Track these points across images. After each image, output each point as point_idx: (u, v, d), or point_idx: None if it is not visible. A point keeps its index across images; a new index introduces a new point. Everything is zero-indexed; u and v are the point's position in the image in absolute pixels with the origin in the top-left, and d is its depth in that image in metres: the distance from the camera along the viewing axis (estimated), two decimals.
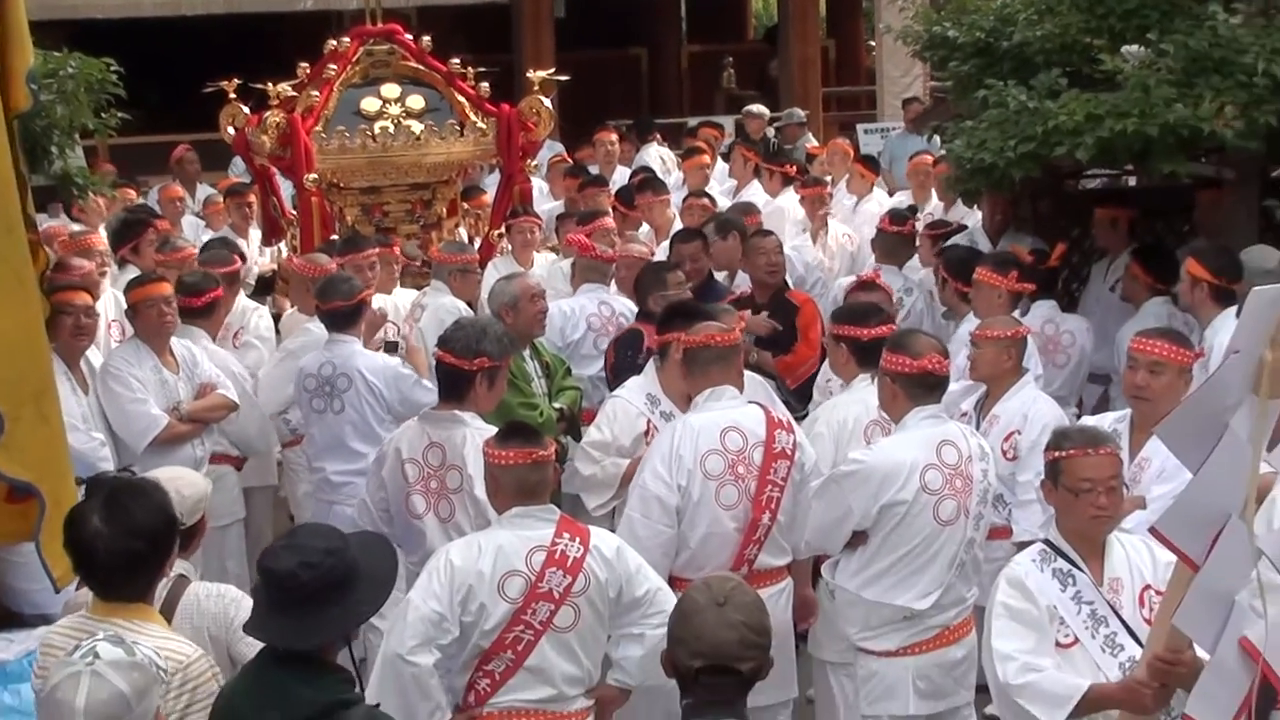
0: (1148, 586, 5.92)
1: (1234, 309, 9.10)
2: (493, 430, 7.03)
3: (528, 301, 9.47)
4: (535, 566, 6.36)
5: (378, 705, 5.20)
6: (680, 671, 4.84)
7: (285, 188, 13.75)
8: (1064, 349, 10.37)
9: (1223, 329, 8.92)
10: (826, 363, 9.51)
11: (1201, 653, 5.42)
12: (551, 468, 6.73)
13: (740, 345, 8.06)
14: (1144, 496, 7.30)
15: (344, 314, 9.57)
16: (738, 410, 7.59)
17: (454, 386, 7.95)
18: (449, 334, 8.05)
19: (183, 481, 6.42)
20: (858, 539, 7.19)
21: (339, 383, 9.32)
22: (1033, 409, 8.35)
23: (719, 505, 7.40)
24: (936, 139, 12.71)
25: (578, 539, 6.47)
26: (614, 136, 18.51)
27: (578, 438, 9.35)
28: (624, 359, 9.77)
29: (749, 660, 4.80)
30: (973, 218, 12.88)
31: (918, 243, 12.38)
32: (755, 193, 15.83)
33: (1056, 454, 6.05)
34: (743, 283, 11.39)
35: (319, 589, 5.10)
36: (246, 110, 13.26)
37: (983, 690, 6.38)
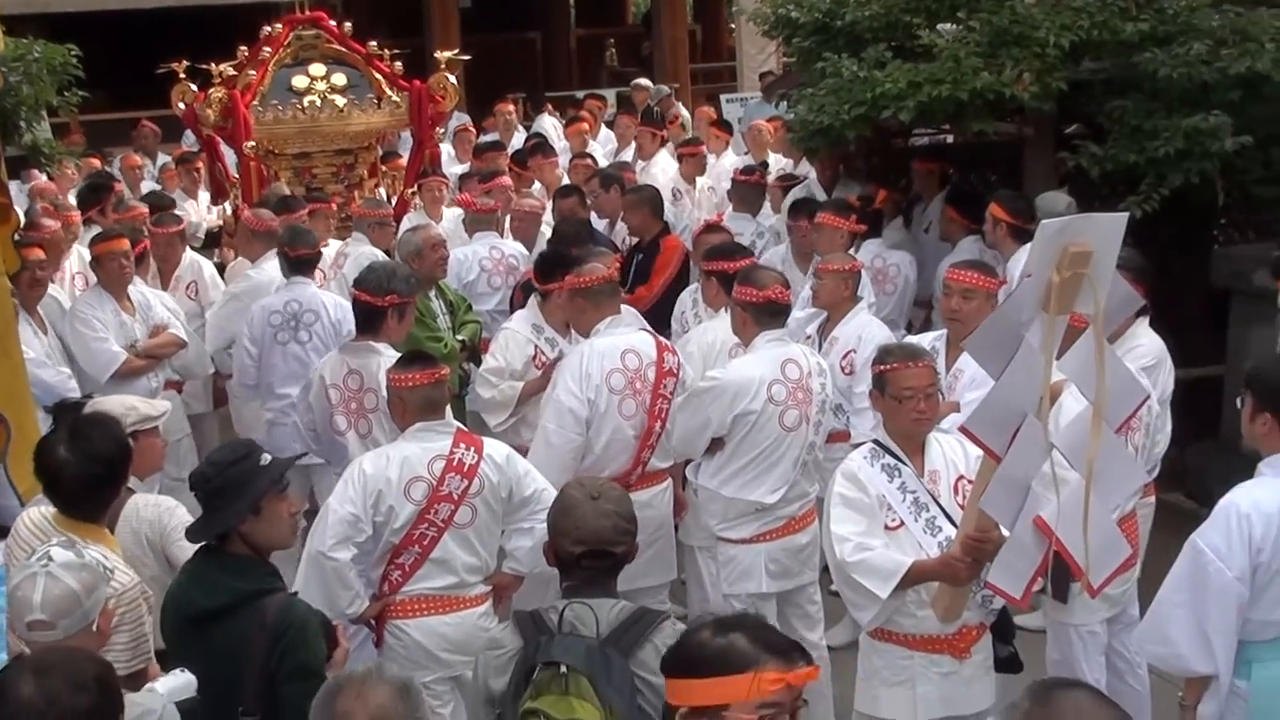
0: (961, 477, 5.89)
1: (1028, 246, 9.14)
2: None
3: (429, 250, 9.41)
4: (436, 473, 6.31)
5: (295, 594, 5.06)
6: (562, 558, 4.81)
7: (229, 155, 13.67)
8: (891, 279, 10.37)
9: (1020, 262, 8.94)
10: (683, 295, 9.54)
11: (1005, 532, 5.44)
12: (447, 388, 6.63)
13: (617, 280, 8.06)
14: (958, 402, 7.27)
15: (307, 260, 9.46)
16: (633, 335, 7.60)
17: (369, 320, 7.93)
18: (363, 275, 8.07)
19: (138, 413, 6.32)
20: (716, 445, 7.14)
21: (305, 318, 9.19)
22: (866, 331, 8.30)
23: (620, 416, 7.39)
24: (784, 105, 12.64)
25: (473, 448, 6.41)
26: (511, 108, 18.54)
27: (479, 365, 9.28)
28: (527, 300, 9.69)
29: (622, 544, 4.80)
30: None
31: (769, 192, 12.33)
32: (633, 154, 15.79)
33: (882, 367, 5.99)
34: (623, 229, 11.32)
35: (216, 490, 5.10)
36: (194, 88, 13.29)
37: (826, 570, 6.33)
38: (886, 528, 5.83)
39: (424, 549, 6.32)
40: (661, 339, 7.74)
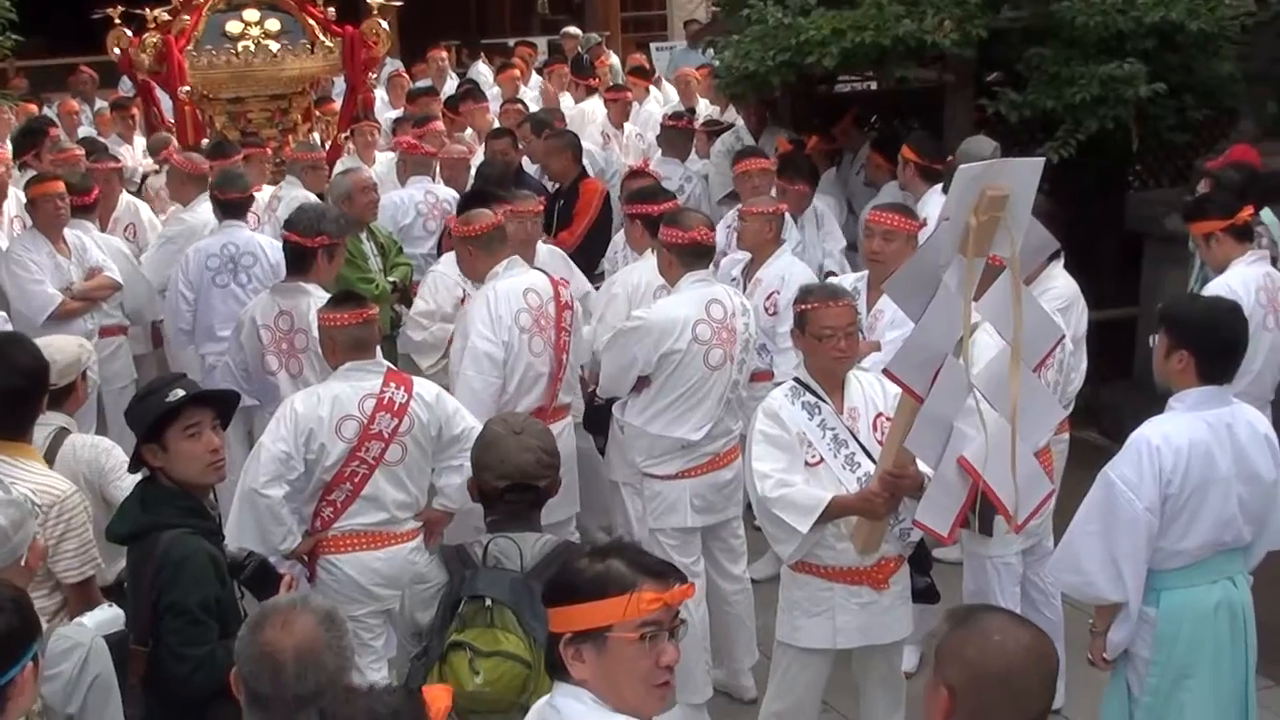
0: (880, 414, 5.90)
1: (939, 186, 9.18)
2: None
3: (360, 193, 9.37)
4: (367, 411, 6.27)
5: (191, 531, 4.92)
6: (485, 493, 4.80)
7: (164, 100, 13.51)
8: None
9: (930, 202, 9.00)
10: (616, 238, 9.51)
11: (924, 468, 5.52)
12: (377, 328, 6.57)
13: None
14: (879, 341, 7.26)
15: (238, 203, 9.36)
16: (530, 274, 7.57)
17: (299, 261, 7.87)
18: (294, 217, 8.02)
19: (54, 348, 6.20)
20: (642, 383, 7.11)
21: (244, 260, 9.09)
22: (789, 272, 8.24)
23: (531, 353, 7.36)
24: (711, 52, 12.61)
25: (403, 387, 6.38)
26: (444, 54, 18.41)
27: (410, 306, 9.23)
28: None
29: (545, 478, 4.80)
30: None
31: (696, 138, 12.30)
32: (564, 100, 15.75)
33: (803, 306, 5.98)
34: None
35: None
36: (129, 33, 13.18)
37: (750, 506, 6.33)
38: (806, 464, 5.83)
39: (355, 486, 6.28)
40: (553, 275, 7.73)
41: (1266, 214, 8.55)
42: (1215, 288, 7.19)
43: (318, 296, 7.54)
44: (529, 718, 3.66)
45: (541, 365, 7.40)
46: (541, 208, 8.92)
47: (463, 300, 8.21)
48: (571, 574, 3.47)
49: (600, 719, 3.39)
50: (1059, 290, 7.37)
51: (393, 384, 6.36)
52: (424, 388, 6.47)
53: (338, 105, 14.00)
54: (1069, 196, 10.61)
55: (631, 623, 3.38)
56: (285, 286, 7.88)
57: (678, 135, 12.09)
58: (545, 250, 8.83)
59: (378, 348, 6.60)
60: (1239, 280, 7.35)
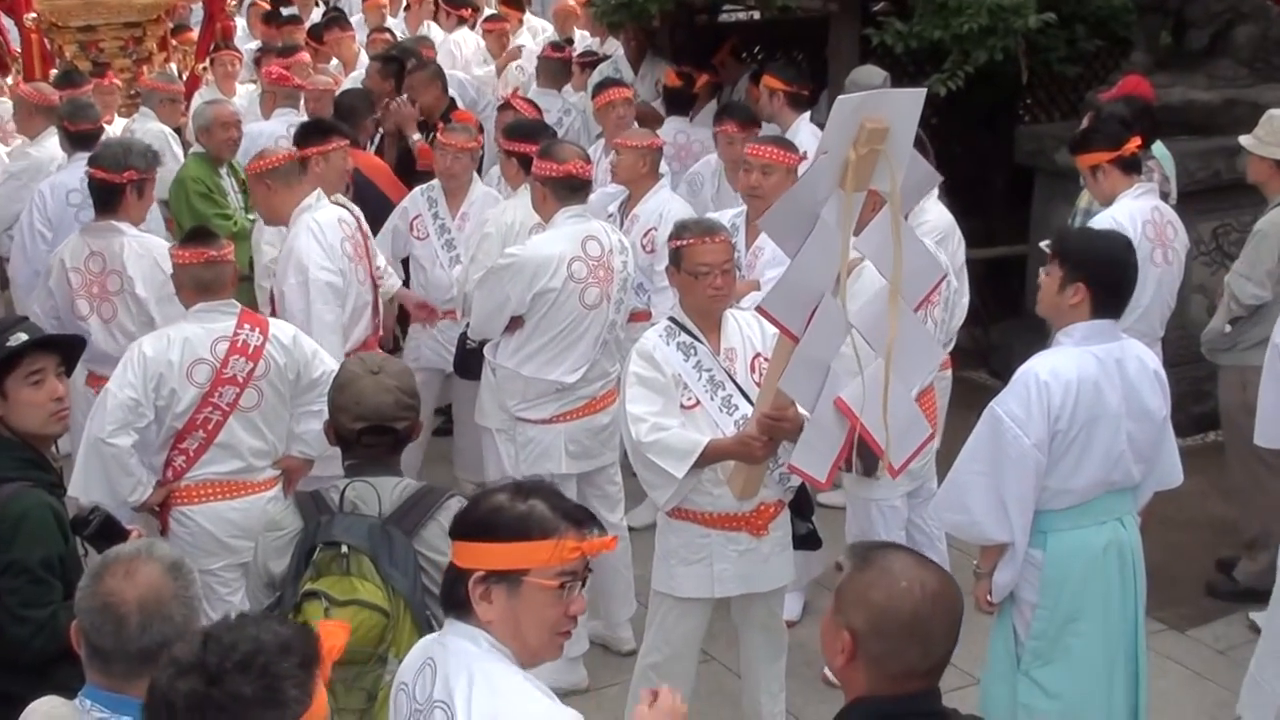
0: (758, 355, 5.90)
1: (807, 114, 9.19)
2: (148, 237, 7.15)
3: (219, 128, 9.30)
4: (220, 355, 6.19)
5: (31, 484, 4.80)
6: (342, 435, 4.76)
7: (10, 28, 13.25)
8: (695, 155, 10.32)
9: (800, 131, 8.99)
10: (491, 171, 9.47)
11: (804, 411, 5.49)
12: (231, 268, 6.46)
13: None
14: (758, 280, 7.30)
15: (88, 135, 9.17)
16: (334, 208, 7.53)
17: (107, 199, 7.67)
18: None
19: None
20: (515, 323, 7.08)
21: None
22: (667, 208, 8.24)
23: (358, 281, 7.44)
24: None
25: (258, 329, 6.30)
26: None
27: None
28: None
29: (403, 419, 4.75)
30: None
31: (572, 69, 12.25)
32: (434, 31, 15.59)
33: (678, 242, 5.97)
34: None
35: None
36: None
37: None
38: (683, 406, 5.84)
39: (209, 433, 6.21)
40: (352, 205, 7.80)
41: (1158, 147, 8.66)
42: (1100, 221, 7.21)
43: (130, 235, 7.49)
44: (413, 653, 3.64)
45: (366, 294, 7.48)
46: (477, 143, 8.89)
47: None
48: (490, 511, 3.44)
49: (491, 665, 3.38)
50: (934, 223, 7.41)
51: (247, 325, 6.28)
52: (280, 329, 6.40)
53: (195, 34, 13.78)
54: (957, 131, 10.71)
55: (551, 569, 3.38)
56: (95, 226, 7.69)
57: (556, 66, 12.03)
58: (482, 190, 8.84)
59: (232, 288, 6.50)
60: (1125, 213, 7.39)
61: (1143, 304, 7.30)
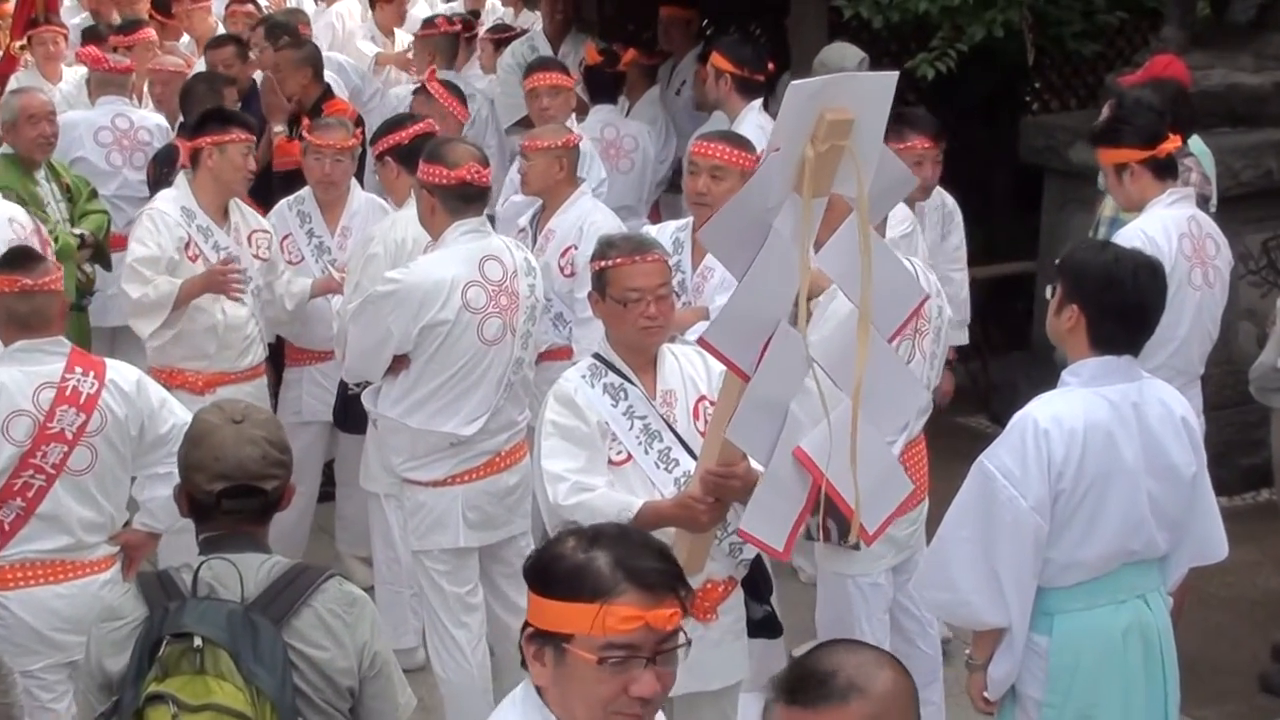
0: (702, 398, 5.98)
1: (759, 102, 9.26)
2: None
3: (27, 123, 9.38)
4: (44, 405, 6.23)
5: None
6: (197, 501, 4.75)
7: None
8: (626, 154, 10.42)
9: (747, 122, 9.07)
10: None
11: (757, 465, 5.50)
12: (57, 299, 6.52)
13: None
14: (706, 308, 7.33)
15: None
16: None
17: None
18: None
19: None
20: (399, 364, 7.14)
21: None
22: (588, 221, 8.26)
23: None
24: None
25: (92, 373, 6.33)
26: None
27: (107, 266, 9.18)
28: (161, 175, 9.69)
29: (273, 479, 4.75)
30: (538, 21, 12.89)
31: (479, 48, 12.33)
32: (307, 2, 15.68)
33: (602, 263, 6.03)
34: None
35: None
36: None
37: None
38: (611, 462, 5.91)
39: (29, 502, 6.22)
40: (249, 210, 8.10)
41: (1195, 142, 8.66)
42: (1127, 236, 7.23)
43: None
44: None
45: None
46: (352, 143, 8.96)
47: (187, 247, 8.21)
48: (551, 556, 3.52)
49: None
50: (901, 213, 7.43)
51: (79, 369, 6.30)
52: (121, 374, 6.43)
53: (10, 6, 13.79)
54: (948, 123, 10.82)
55: (594, 641, 3.42)
56: None
57: (445, 44, 12.14)
58: (364, 199, 8.94)
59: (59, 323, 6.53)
60: (1158, 225, 7.43)
61: (1179, 335, 7.37)
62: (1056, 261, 5.81)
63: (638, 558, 3.47)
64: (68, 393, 6.25)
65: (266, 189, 9.54)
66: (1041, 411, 5.46)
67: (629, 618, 3.39)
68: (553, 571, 3.48)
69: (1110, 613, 5.56)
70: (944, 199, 8.53)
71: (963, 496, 5.51)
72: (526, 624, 3.54)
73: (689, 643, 3.52)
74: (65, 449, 6.23)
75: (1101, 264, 5.61)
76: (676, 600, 3.47)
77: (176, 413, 6.42)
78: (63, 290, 6.62)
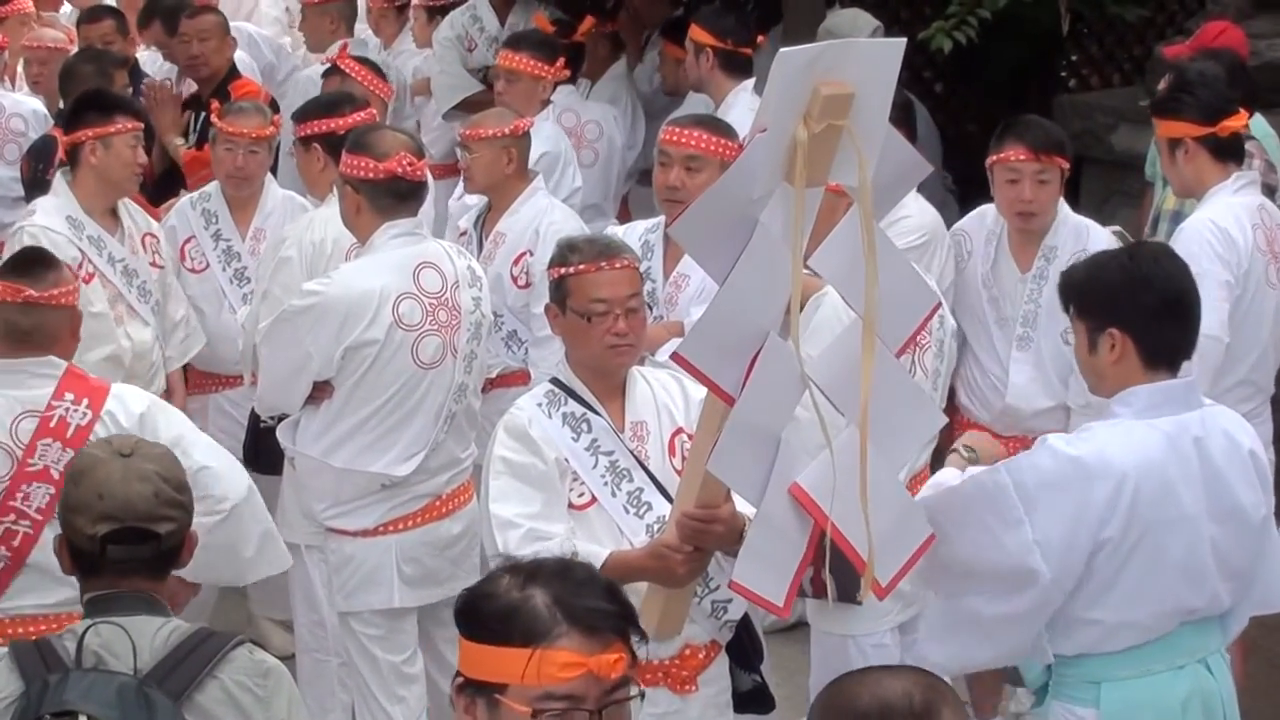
0: (679, 430, 6.01)
1: (750, 82, 9.28)
2: None
3: None
4: (23, 438, 6.20)
5: None
6: (80, 550, 4.72)
7: None
8: (589, 144, 10.43)
9: (736, 105, 9.10)
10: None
11: (745, 507, 5.49)
12: (67, 314, 6.52)
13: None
14: (682, 322, 7.33)
15: None
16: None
17: None
18: None
19: None
20: (320, 391, 7.16)
21: None
22: (544, 222, 8.27)
23: None
24: None
25: (85, 400, 6.27)
26: None
27: None
28: (36, 172, 9.72)
29: (168, 521, 4.72)
30: None
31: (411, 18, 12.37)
32: None
33: (562, 270, 6.03)
34: None
35: None
36: None
37: None
38: (572, 506, 5.93)
39: (15, 551, 6.16)
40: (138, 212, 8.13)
41: (1257, 123, 8.69)
42: (1194, 227, 7.33)
43: None
44: None
45: None
46: (270, 131, 8.96)
47: (79, 265, 8.07)
48: (483, 595, 3.53)
49: None
50: (913, 222, 7.50)
51: (69, 395, 6.26)
52: (125, 403, 6.33)
53: None
54: (970, 102, 10.87)
55: (529, 691, 3.42)
56: None
57: (381, 15, 12.15)
58: (281, 196, 8.96)
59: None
60: (1229, 215, 7.48)
61: (1261, 342, 7.45)
62: (1059, 289, 5.77)
63: (579, 596, 3.48)
64: (52, 424, 6.21)
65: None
66: (1082, 447, 5.40)
67: (568, 664, 3.41)
68: (483, 612, 3.49)
69: (1168, 680, 5.53)
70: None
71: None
72: (457, 673, 3.54)
73: (642, 694, 3.53)
74: (52, 490, 6.09)
75: (1120, 269, 5.58)
76: (623, 645, 3.48)
77: (194, 455, 6.14)
78: (76, 305, 6.63)
